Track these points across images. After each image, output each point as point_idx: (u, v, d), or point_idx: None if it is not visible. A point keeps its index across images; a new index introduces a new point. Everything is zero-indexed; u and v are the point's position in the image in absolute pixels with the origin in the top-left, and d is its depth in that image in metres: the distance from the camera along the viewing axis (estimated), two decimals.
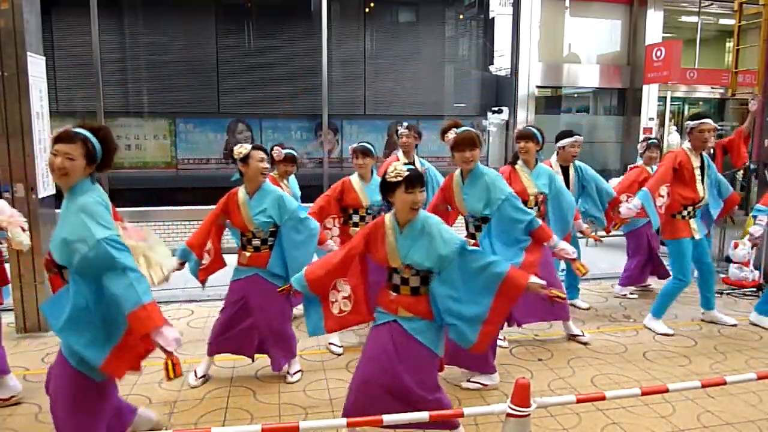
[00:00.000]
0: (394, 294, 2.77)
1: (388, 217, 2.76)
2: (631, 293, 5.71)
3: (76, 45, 7.60)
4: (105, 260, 2.25)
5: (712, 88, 10.67)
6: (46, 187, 4.65)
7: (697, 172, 4.46)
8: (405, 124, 4.98)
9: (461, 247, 2.64)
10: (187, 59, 8.16)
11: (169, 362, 2.27)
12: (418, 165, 4.98)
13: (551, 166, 4.71)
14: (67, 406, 2.41)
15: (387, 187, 2.66)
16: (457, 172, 3.68)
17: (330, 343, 4.24)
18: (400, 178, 2.60)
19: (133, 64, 8.05)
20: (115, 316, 2.32)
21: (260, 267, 3.58)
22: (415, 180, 2.60)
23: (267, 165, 3.53)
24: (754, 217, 4.64)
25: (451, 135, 3.51)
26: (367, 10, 8.75)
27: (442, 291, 2.67)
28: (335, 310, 2.90)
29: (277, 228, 3.59)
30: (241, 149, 3.47)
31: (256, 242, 3.59)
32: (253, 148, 3.49)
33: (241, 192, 3.57)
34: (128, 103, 8.08)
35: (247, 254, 3.60)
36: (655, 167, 5.14)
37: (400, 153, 4.98)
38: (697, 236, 4.52)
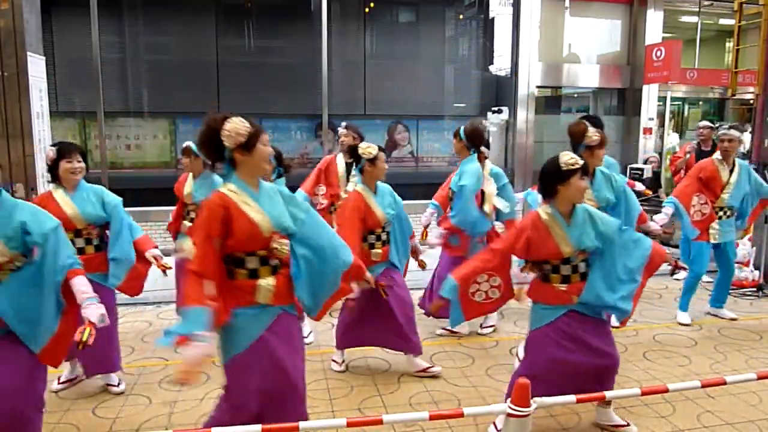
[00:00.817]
0: (565, 285, 2.87)
1: (545, 211, 2.86)
2: None
3: (76, 45, 7.60)
4: (317, 221, 2.59)
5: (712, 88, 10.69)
6: (46, 187, 4.65)
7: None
8: (343, 124, 4.92)
9: (619, 225, 2.91)
10: (187, 59, 8.16)
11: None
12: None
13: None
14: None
15: (561, 176, 2.75)
16: None
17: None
18: (577, 166, 2.72)
19: (133, 64, 8.05)
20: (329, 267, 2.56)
21: (386, 260, 3.71)
22: (588, 168, 2.80)
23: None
24: (664, 206, 4.65)
25: (597, 135, 3.72)
26: (367, 10, 8.75)
27: (603, 273, 2.86)
28: (479, 297, 3.01)
29: None
30: (370, 149, 3.59)
31: (384, 236, 3.71)
32: (379, 149, 3.63)
33: (366, 192, 3.65)
34: (128, 103, 8.08)
35: (379, 251, 3.67)
36: None
37: (339, 154, 4.94)
38: None
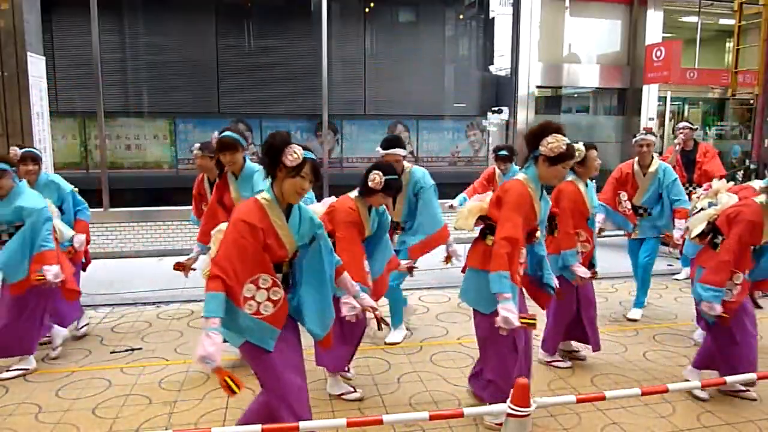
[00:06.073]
0: None
1: (763, 200, 3.23)
2: None
3: (76, 45, 7.60)
4: None
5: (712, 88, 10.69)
6: None
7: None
8: (197, 144, 4.34)
9: None
10: (187, 59, 8.16)
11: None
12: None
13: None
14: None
15: None
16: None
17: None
18: None
19: (133, 64, 8.05)
20: None
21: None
22: None
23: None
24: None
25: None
26: (367, 10, 8.75)
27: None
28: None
29: None
30: (579, 150, 3.65)
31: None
32: (587, 148, 3.70)
33: (581, 185, 3.82)
34: (128, 103, 8.08)
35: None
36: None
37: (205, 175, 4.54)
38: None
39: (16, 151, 4.11)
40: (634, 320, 4.95)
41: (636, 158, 5.06)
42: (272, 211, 2.40)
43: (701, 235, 3.47)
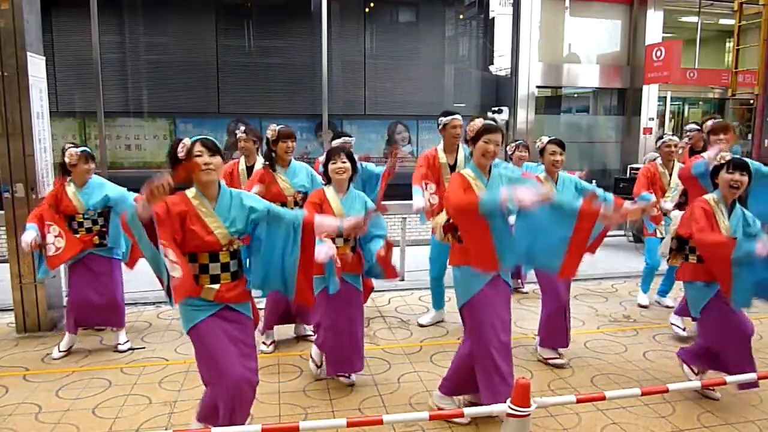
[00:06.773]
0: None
1: (713, 198, 3.31)
2: None
3: (76, 45, 7.61)
4: None
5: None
6: (46, 187, 4.64)
7: (446, 169, 4.44)
8: (242, 127, 4.70)
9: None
10: (187, 59, 8.17)
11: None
12: (259, 166, 4.62)
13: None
14: None
15: (715, 170, 3.34)
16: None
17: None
18: (724, 161, 3.27)
19: (133, 64, 8.06)
20: None
21: None
22: (739, 165, 3.24)
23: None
24: (643, 200, 5.09)
25: (710, 123, 4.37)
26: (367, 10, 8.76)
27: None
28: None
29: None
30: (539, 142, 3.95)
31: None
32: (550, 142, 3.89)
33: (549, 183, 3.90)
34: (128, 103, 8.08)
35: None
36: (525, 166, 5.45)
37: (242, 158, 4.74)
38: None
39: (74, 151, 4.21)
40: (669, 306, 5.14)
41: (660, 159, 5.18)
42: (197, 200, 2.52)
43: (672, 254, 3.53)
